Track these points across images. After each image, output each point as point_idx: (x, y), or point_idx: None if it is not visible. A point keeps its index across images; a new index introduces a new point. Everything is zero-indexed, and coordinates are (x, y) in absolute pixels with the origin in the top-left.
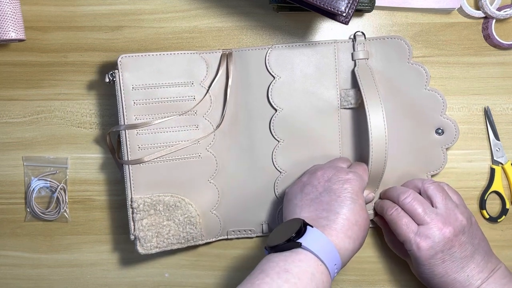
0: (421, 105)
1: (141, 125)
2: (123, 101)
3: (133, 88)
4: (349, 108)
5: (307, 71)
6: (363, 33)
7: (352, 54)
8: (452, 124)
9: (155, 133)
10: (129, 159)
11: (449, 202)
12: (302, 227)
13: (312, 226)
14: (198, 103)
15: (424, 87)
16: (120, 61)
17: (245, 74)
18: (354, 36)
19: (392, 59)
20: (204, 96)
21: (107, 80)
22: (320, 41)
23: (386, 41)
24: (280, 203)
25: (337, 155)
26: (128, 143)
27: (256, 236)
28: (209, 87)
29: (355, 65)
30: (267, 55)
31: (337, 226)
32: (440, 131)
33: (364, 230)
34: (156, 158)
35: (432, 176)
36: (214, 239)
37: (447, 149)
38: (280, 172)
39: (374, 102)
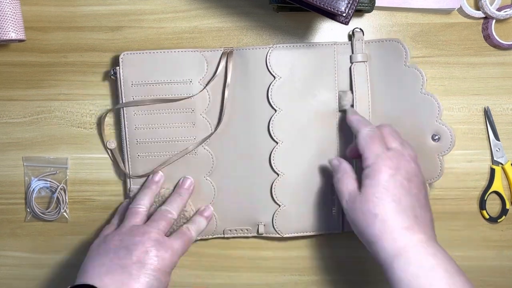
0: (417, 109)
1: (132, 103)
2: (123, 97)
3: (132, 84)
4: None
5: (307, 72)
6: (361, 29)
7: (350, 56)
8: (447, 131)
9: (153, 128)
10: (129, 155)
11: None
12: None
13: None
14: (195, 99)
15: (420, 90)
16: (121, 58)
17: (245, 73)
18: (353, 32)
19: (389, 62)
20: (201, 93)
21: (110, 74)
22: (320, 42)
23: (383, 43)
24: (276, 206)
25: (335, 156)
26: (127, 139)
27: (253, 236)
28: (206, 84)
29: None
30: (268, 54)
31: None
32: (436, 137)
33: None
34: (154, 153)
35: (430, 184)
36: (210, 237)
37: (443, 156)
38: (278, 174)
39: (362, 103)
